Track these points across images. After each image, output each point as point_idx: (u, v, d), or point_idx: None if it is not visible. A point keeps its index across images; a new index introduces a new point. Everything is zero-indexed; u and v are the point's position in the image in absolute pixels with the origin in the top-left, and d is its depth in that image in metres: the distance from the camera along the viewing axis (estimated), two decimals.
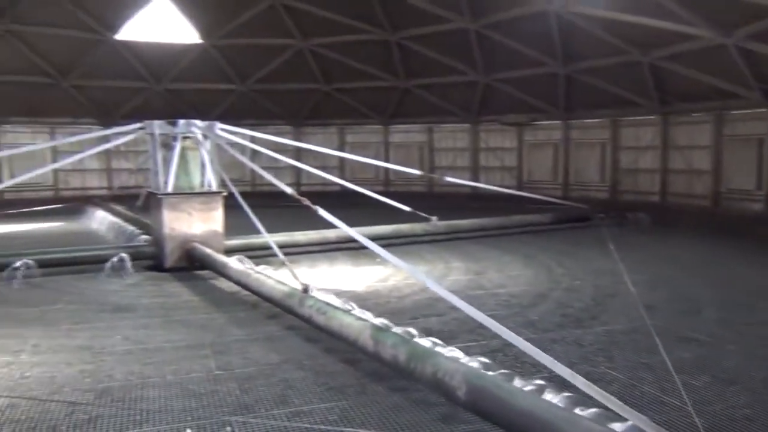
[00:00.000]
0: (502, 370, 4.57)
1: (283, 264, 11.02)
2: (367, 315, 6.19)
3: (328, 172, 14.35)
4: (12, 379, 5.64)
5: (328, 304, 6.42)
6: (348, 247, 12.23)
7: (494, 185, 20.06)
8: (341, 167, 26.50)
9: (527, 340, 6.58)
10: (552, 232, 15.34)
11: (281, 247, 11.73)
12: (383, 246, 12.27)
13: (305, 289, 6.89)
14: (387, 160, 24.47)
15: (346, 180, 14.93)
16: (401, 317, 7.58)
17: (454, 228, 14.43)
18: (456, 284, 9.58)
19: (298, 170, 26.52)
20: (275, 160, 14.09)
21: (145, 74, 25.85)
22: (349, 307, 6.48)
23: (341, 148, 26.29)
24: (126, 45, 24.57)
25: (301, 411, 4.94)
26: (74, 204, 21.22)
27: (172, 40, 25.03)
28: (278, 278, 7.84)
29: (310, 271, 10.77)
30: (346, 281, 9.89)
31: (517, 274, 10.40)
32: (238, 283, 8.78)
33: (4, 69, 23.42)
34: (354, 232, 6.99)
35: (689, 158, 18.92)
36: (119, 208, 17.32)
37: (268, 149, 13.22)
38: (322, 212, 7.24)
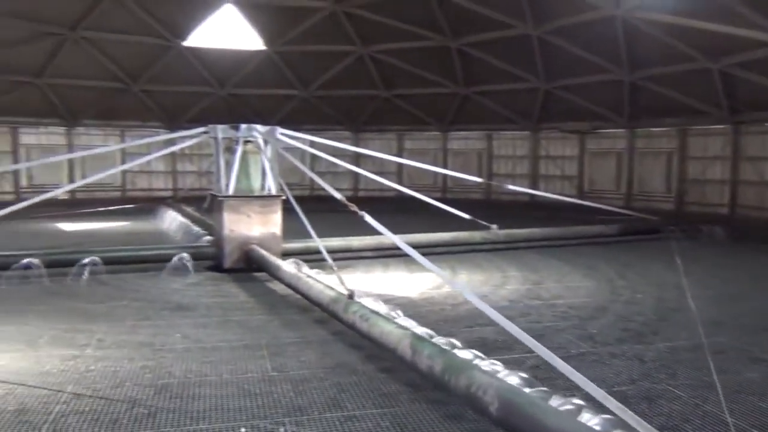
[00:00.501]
0: (541, 387, 4.39)
1: (340, 268, 11.19)
2: (410, 323, 6.15)
3: (385, 178, 14.38)
4: (78, 372, 5.85)
5: (371, 311, 6.41)
6: (402, 254, 12.21)
7: (554, 194, 19.71)
8: (399, 173, 26.52)
9: (585, 353, 6.51)
10: (615, 243, 14.92)
11: (337, 251, 11.88)
12: (442, 253, 12.42)
13: (350, 295, 6.92)
14: (445, 167, 24.34)
15: (404, 186, 14.95)
16: (455, 325, 7.52)
17: (514, 237, 14.13)
18: (513, 294, 9.44)
19: (356, 175, 26.75)
20: (334, 164, 14.22)
21: (210, 80, 26.56)
22: (394, 315, 6.46)
23: (399, 154, 26.34)
24: (193, 51, 25.32)
25: (353, 415, 4.94)
26: (148, 204, 22.02)
27: (237, 46, 25.65)
28: (327, 283, 7.88)
29: (365, 276, 10.81)
30: (400, 287, 9.87)
31: (576, 285, 10.16)
32: (289, 286, 8.90)
33: (79, 74, 24.49)
34: (396, 239, 6.98)
35: (761, 169, 18.13)
36: (188, 209, 17.83)
37: (327, 154, 13.39)
38: (368, 218, 7.25)
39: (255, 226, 11.16)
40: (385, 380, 5.68)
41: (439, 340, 5.44)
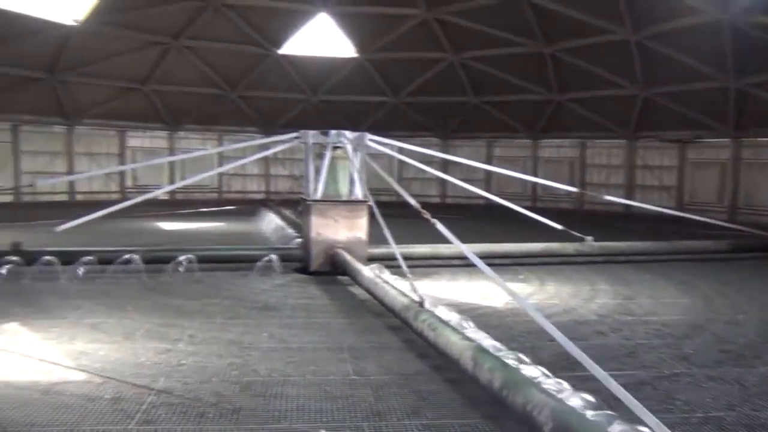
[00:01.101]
0: (607, 411, 4.13)
1: (425, 275, 11.18)
2: (479, 335, 6.02)
3: (474, 185, 14.24)
4: (169, 365, 6.11)
5: (440, 320, 6.33)
6: (491, 263, 12.03)
7: (652, 205, 18.83)
8: (487, 181, 26.19)
9: (679, 374, 6.16)
10: (714, 260, 14.06)
11: (425, 258, 11.86)
12: (530, 264, 12.14)
13: (421, 303, 6.88)
14: (535, 175, 23.83)
15: (492, 194, 14.75)
16: (539, 338, 7.31)
17: (611, 250, 13.41)
18: (603, 308, 9.09)
19: (444, 182, 26.62)
20: (422, 171, 14.22)
21: (303, 86, 27.25)
22: (465, 325, 6.36)
23: (488, 162, 26.03)
24: (288, 59, 26.07)
25: (432, 424, 4.90)
26: (247, 206, 22.88)
27: (330, 54, 26.20)
28: (403, 290, 7.86)
29: (450, 284, 10.73)
30: (486, 297, 9.72)
31: (670, 302, 9.66)
32: (367, 290, 8.94)
33: (180, 81, 25.74)
34: (465, 248, 6.88)
35: None
36: (286, 211, 18.35)
37: (415, 160, 13.40)
38: (440, 226, 7.19)
39: (341, 230, 11.31)
40: (466, 391, 5.59)
41: (506, 354, 5.30)
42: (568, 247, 13.05)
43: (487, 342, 5.73)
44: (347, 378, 5.90)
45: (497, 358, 5.11)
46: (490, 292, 10.13)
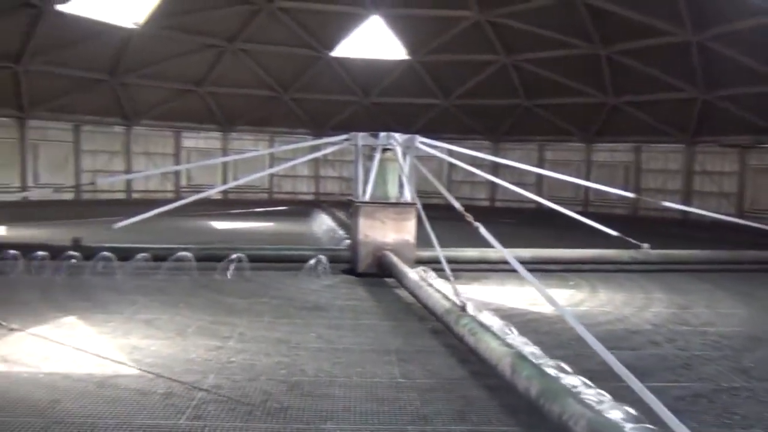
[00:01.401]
0: (647, 425, 3.93)
1: (474, 279, 11.09)
2: (521, 341, 5.92)
3: (524, 189, 14.04)
4: (219, 363, 6.21)
5: (480, 325, 6.25)
6: (540, 269, 11.88)
7: (710, 212, 18.22)
8: (539, 184, 25.83)
9: (738, 388, 5.92)
10: None
11: (474, 262, 11.74)
12: (582, 271, 11.88)
13: (463, 308, 6.81)
14: (588, 180, 23.37)
15: (543, 198, 14.52)
16: (589, 346, 7.14)
17: (667, 258, 12.89)
18: (656, 317, 8.82)
19: (494, 186, 26.38)
20: (472, 174, 14.12)
21: (354, 89, 27.43)
22: (507, 331, 6.25)
23: (540, 165, 25.66)
24: (340, 61, 26.29)
25: (479, 430, 4.83)
26: (303, 207, 23.18)
27: (381, 56, 26.29)
28: (447, 293, 7.80)
29: (499, 289, 10.60)
30: (534, 302, 9.56)
31: (729, 313, 9.31)
32: (411, 293, 8.91)
33: (235, 83, 26.26)
34: (507, 253, 6.77)
35: None
36: (338, 213, 18.51)
37: (465, 163, 13.31)
38: (482, 230, 7.11)
39: (389, 232, 11.30)
40: (512, 397, 5.50)
41: (546, 363, 5.18)
42: (624, 254, 12.63)
43: (528, 349, 5.63)
44: (394, 381, 5.88)
45: (536, 365, 5.02)
46: (540, 297, 9.96)
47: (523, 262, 11.76)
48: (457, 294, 7.19)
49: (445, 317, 7.02)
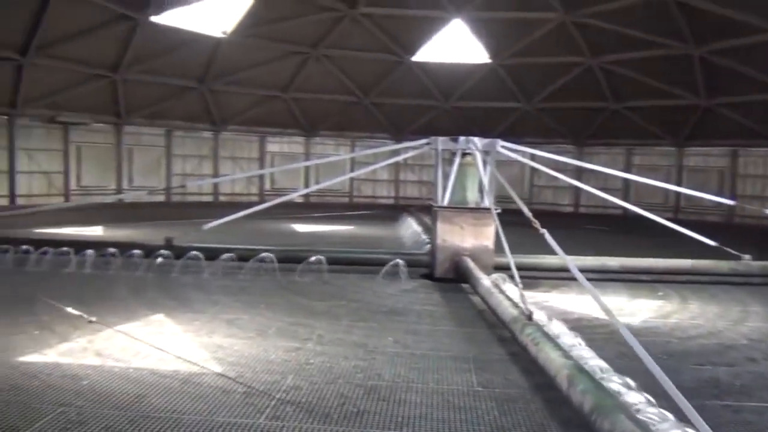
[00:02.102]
0: None
1: (554, 287, 10.79)
2: (587, 353, 5.67)
3: (610, 195, 13.57)
4: (298, 364, 6.29)
5: (544, 334, 6.05)
6: (627, 278, 11.44)
7: None
8: (625, 190, 24.93)
9: None
10: None
11: (555, 270, 11.40)
12: (677, 282, 11.31)
13: (529, 316, 6.65)
14: (679, 185, 22.34)
15: (630, 204, 13.98)
16: (682, 362, 6.79)
17: None
18: (755, 332, 8.28)
19: (578, 191, 25.70)
20: (554, 178, 13.78)
21: (435, 93, 27.36)
22: (574, 342, 6.01)
23: (627, 170, 24.76)
24: (421, 66, 26.31)
25: None
26: (391, 211, 23.38)
27: (463, 60, 26.12)
28: (515, 300, 7.61)
29: (580, 297, 10.25)
30: (618, 313, 9.19)
31: None
32: (483, 300, 8.75)
33: (318, 88, 26.76)
34: (570, 260, 6.50)
35: None
36: (425, 217, 18.55)
37: (548, 168, 13.00)
38: (548, 237, 6.94)
39: (467, 237, 11.16)
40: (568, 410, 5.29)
41: (610, 377, 4.93)
42: (722, 265, 11.74)
43: (594, 362, 5.40)
44: (471, 389, 5.77)
45: (593, 380, 4.83)
46: (625, 308, 9.58)
47: (610, 272, 11.43)
48: (524, 302, 7.02)
49: (511, 325, 6.91)
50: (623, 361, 6.67)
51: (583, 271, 11.30)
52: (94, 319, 7.55)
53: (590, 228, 21.33)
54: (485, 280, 9.22)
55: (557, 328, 6.58)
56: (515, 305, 7.38)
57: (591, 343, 7.33)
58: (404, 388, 5.73)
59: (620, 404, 4.36)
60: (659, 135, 25.60)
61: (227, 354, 6.51)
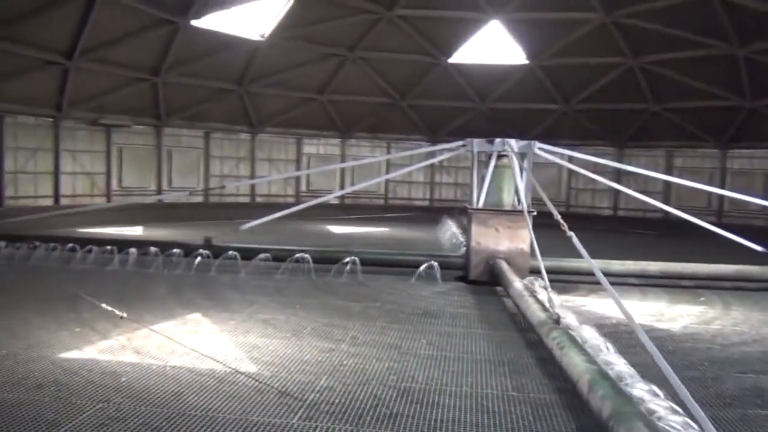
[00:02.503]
0: None
1: (592, 291, 10.62)
2: (616, 359, 5.55)
3: (650, 198, 13.29)
4: (331, 365, 6.31)
5: (570, 339, 5.95)
6: (668, 284, 11.19)
7: None
8: (666, 193, 24.42)
9: None
10: None
11: (593, 274, 11.19)
12: (720, 288, 11.01)
13: (557, 320, 6.57)
14: (723, 188, 21.78)
15: (672, 207, 13.68)
16: (724, 369, 6.60)
17: None
18: None
19: (617, 194, 25.28)
20: (592, 181, 13.57)
21: (471, 95, 27.21)
22: (604, 348, 5.89)
23: (668, 173, 24.24)
24: (457, 68, 26.19)
25: None
26: (429, 213, 23.37)
27: (500, 61, 25.92)
28: (542, 304, 7.52)
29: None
30: (659, 318, 9.01)
31: None
32: (514, 303, 8.67)
33: (354, 90, 26.85)
34: (594, 264, 6.37)
35: None
36: (464, 219, 18.51)
37: (586, 170, 12.80)
38: (575, 240, 6.81)
39: (502, 240, 11.06)
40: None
41: (635, 384, 4.81)
42: None
43: (621, 368, 5.31)
44: (506, 393, 5.71)
45: (614, 386, 4.73)
46: (666, 313, 9.38)
47: (648, 276, 11.18)
48: (552, 305, 6.93)
49: (539, 329, 6.85)
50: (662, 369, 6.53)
51: (623, 275, 11.19)
52: (125, 315, 7.73)
53: (637, 232, 20.89)
54: (517, 283, 9.13)
55: (587, 332, 6.49)
56: (544, 309, 7.29)
57: (629, 349, 7.21)
58: (437, 390, 5.70)
59: (639, 411, 4.28)
60: (701, 137, 25.01)
61: (263, 354, 6.57)
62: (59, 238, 12.66)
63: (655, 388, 4.85)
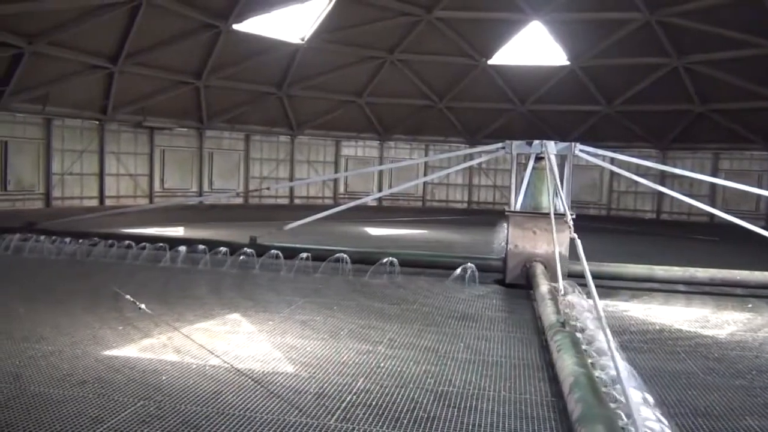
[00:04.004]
0: None
1: (634, 297, 10.39)
2: (615, 364, 5.42)
3: (696, 200, 12.95)
4: (369, 367, 6.30)
5: (571, 342, 5.89)
6: (715, 291, 10.87)
7: None
8: (712, 196, 23.80)
9: None
10: None
11: (638, 280, 10.93)
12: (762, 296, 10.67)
13: (563, 323, 6.54)
14: None
15: (718, 210, 13.31)
16: None
17: None
18: None
19: (661, 197, 24.76)
20: (635, 183, 13.29)
21: (511, 96, 26.95)
22: (610, 352, 5.75)
23: (714, 175, 23.60)
24: (496, 69, 25.99)
25: None
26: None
27: (540, 63, 25.63)
28: (557, 307, 7.42)
29: (662, 308, 9.85)
30: (704, 325, 8.77)
31: None
32: (536, 306, 8.59)
33: (393, 93, 26.87)
34: (587, 268, 6.25)
35: None
36: None
37: (628, 173, 12.56)
38: (578, 243, 6.91)
39: (540, 243, 10.89)
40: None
41: (633, 394, 4.68)
42: None
43: (618, 373, 5.18)
44: (545, 399, 5.62)
45: (593, 389, 4.66)
46: (711, 319, 9.12)
47: (695, 283, 10.83)
48: (559, 309, 6.86)
49: (547, 332, 6.83)
50: (709, 376, 6.36)
51: (668, 281, 10.88)
52: (143, 306, 8.02)
53: (700, 238, 20.21)
54: (543, 287, 9.01)
55: (601, 336, 6.37)
56: (557, 312, 7.22)
57: (672, 356, 7.05)
58: (475, 395, 5.64)
59: (605, 415, 4.23)
60: (749, 138, 24.30)
61: (300, 354, 6.60)
62: (117, 235, 13.31)
63: (647, 395, 4.77)
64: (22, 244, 12.92)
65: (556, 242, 8.97)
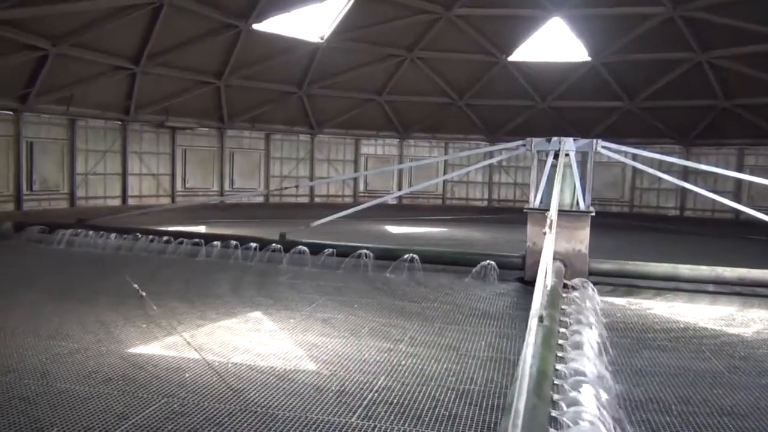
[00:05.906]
0: None
1: (658, 295, 10.28)
2: (585, 362, 5.40)
3: (721, 197, 12.77)
4: (390, 365, 6.31)
5: (544, 338, 5.84)
6: (743, 292, 10.70)
7: None
8: (737, 192, 23.44)
9: None
10: None
11: (663, 279, 10.77)
12: None
13: (540, 319, 6.37)
14: None
15: (745, 207, 13.11)
16: None
17: None
18: None
19: (684, 193, 24.45)
20: (658, 180, 13.14)
21: (531, 93, 26.77)
22: (591, 346, 5.74)
23: (739, 171, 23.23)
24: (517, 66, 25.82)
25: None
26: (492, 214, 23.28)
27: (561, 59, 25.42)
28: (547, 304, 7.36)
29: (686, 306, 9.72)
30: (729, 323, 8.65)
31: None
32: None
33: (412, 90, 26.82)
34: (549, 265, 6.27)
35: None
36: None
37: (651, 169, 12.41)
38: (548, 238, 7.10)
39: (560, 241, 10.77)
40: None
41: (580, 387, 4.73)
42: None
43: (578, 367, 5.27)
44: None
45: (537, 382, 4.55)
46: (737, 318, 9.00)
47: (725, 283, 10.63)
48: (543, 306, 6.78)
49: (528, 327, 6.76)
50: (735, 375, 6.28)
51: (692, 280, 10.72)
52: (144, 294, 8.45)
53: (748, 237, 19.71)
54: (548, 284, 8.95)
55: (586, 333, 6.50)
56: (543, 308, 7.15)
57: (697, 354, 6.97)
58: (497, 393, 5.62)
59: (530, 407, 4.07)
60: None
61: (322, 352, 6.63)
62: (156, 231, 13.99)
63: (602, 391, 4.78)
64: (73, 239, 13.98)
65: (553, 241, 8.88)
